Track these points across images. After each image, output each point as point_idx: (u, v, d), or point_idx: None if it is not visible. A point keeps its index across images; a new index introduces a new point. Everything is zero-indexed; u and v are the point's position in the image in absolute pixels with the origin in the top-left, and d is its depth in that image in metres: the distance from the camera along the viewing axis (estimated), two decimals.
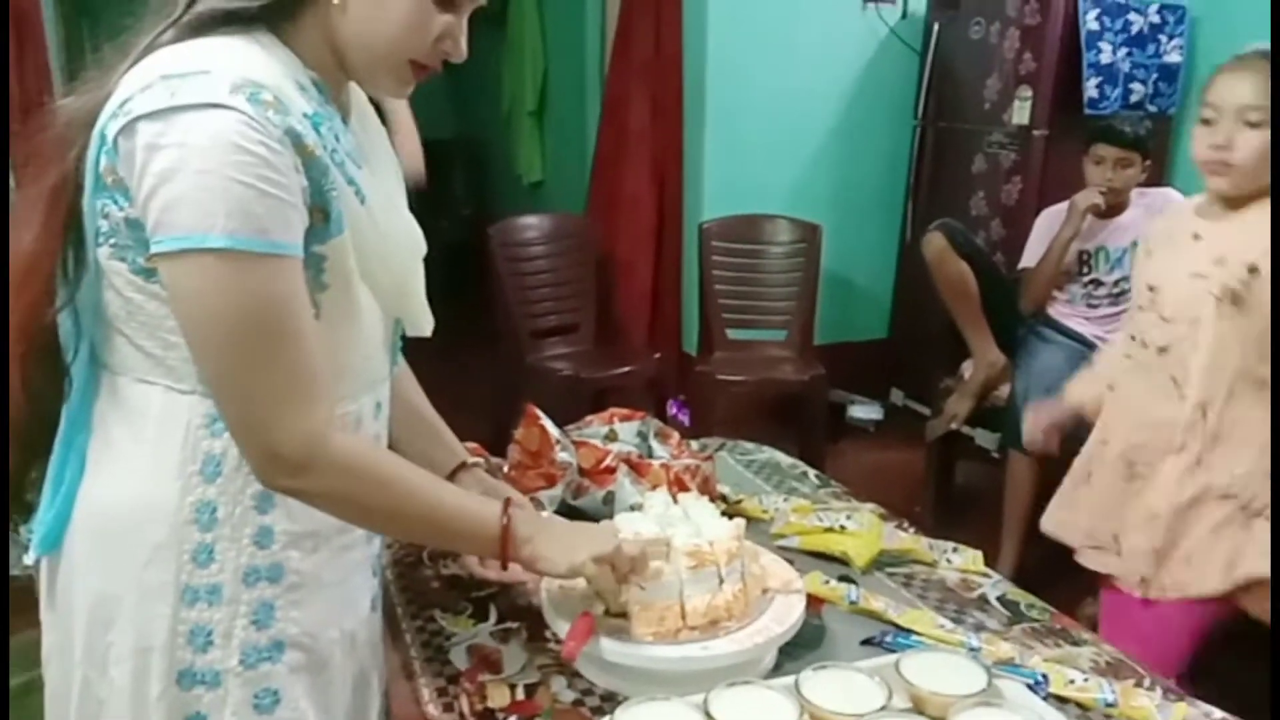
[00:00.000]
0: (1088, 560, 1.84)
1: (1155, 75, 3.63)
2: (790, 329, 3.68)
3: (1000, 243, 3.67)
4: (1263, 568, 1.62)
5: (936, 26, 3.91)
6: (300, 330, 0.90)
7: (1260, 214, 1.64)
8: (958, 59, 3.87)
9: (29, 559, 1.03)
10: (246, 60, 0.88)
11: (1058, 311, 3.02)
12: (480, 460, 1.27)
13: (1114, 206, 2.90)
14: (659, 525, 1.16)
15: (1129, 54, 3.55)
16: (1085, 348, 2.96)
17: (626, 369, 3.42)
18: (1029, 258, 3.04)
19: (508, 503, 1.07)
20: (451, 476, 1.22)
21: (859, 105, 4.10)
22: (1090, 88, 3.46)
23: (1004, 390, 3.03)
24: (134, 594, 0.96)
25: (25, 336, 0.96)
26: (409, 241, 1.07)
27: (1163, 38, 3.61)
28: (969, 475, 3.46)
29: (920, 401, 3.91)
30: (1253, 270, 1.60)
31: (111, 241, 0.91)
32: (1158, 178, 3.49)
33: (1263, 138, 1.60)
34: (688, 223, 4.01)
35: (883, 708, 1.02)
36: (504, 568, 1.07)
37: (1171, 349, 1.70)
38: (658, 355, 3.64)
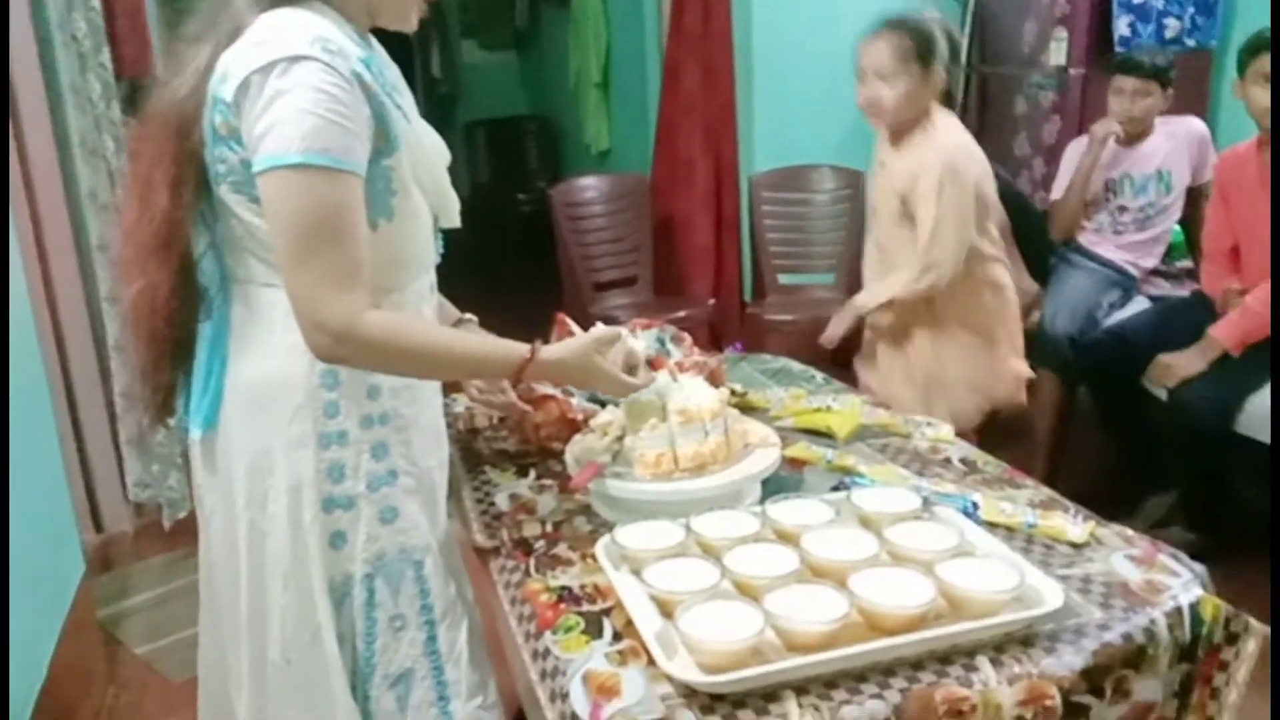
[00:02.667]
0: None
1: (1192, 9, 3.69)
2: (838, 272, 3.88)
3: (1042, 180, 3.80)
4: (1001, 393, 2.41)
5: None
6: (349, 231, 1.14)
7: (912, 145, 2.25)
8: (998, 6, 4.00)
9: (192, 436, 1.31)
10: (313, 23, 1.15)
11: (1087, 240, 3.17)
12: (473, 317, 1.58)
13: (1137, 135, 3.03)
14: (656, 393, 1.43)
15: None
16: (1115, 272, 3.11)
17: (682, 314, 3.68)
18: (1058, 189, 3.20)
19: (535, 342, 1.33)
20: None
21: None
22: (1121, 25, 3.57)
23: (1036, 317, 3.20)
24: (283, 445, 1.23)
25: (175, 276, 1.23)
26: (439, 148, 1.34)
27: None
28: None
29: None
30: (903, 200, 2.26)
31: (230, 180, 1.19)
32: (1201, 108, 3.58)
33: (894, 88, 2.20)
34: (743, 179, 4.25)
35: (830, 522, 1.28)
36: (514, 385, 1.34)
37: (885, 246, 2.38)
38: (712, 301, 3.89)
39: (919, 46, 2.21)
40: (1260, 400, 2.48)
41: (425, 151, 1.28)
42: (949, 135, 2.27)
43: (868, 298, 2.40)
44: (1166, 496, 2.74)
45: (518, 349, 1.31)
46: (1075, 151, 3.15)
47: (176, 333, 1.28)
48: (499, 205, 6.72)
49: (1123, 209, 3.10)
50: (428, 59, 7.12)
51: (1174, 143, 3.04)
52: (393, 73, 1.30)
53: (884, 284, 2.36)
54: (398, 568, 1.28)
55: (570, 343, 1.37)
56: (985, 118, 4.16)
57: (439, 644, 1.30)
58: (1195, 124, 3.09)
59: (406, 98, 1.30)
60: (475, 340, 1.44)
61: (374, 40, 1.30)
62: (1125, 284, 3.12)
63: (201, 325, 1.30)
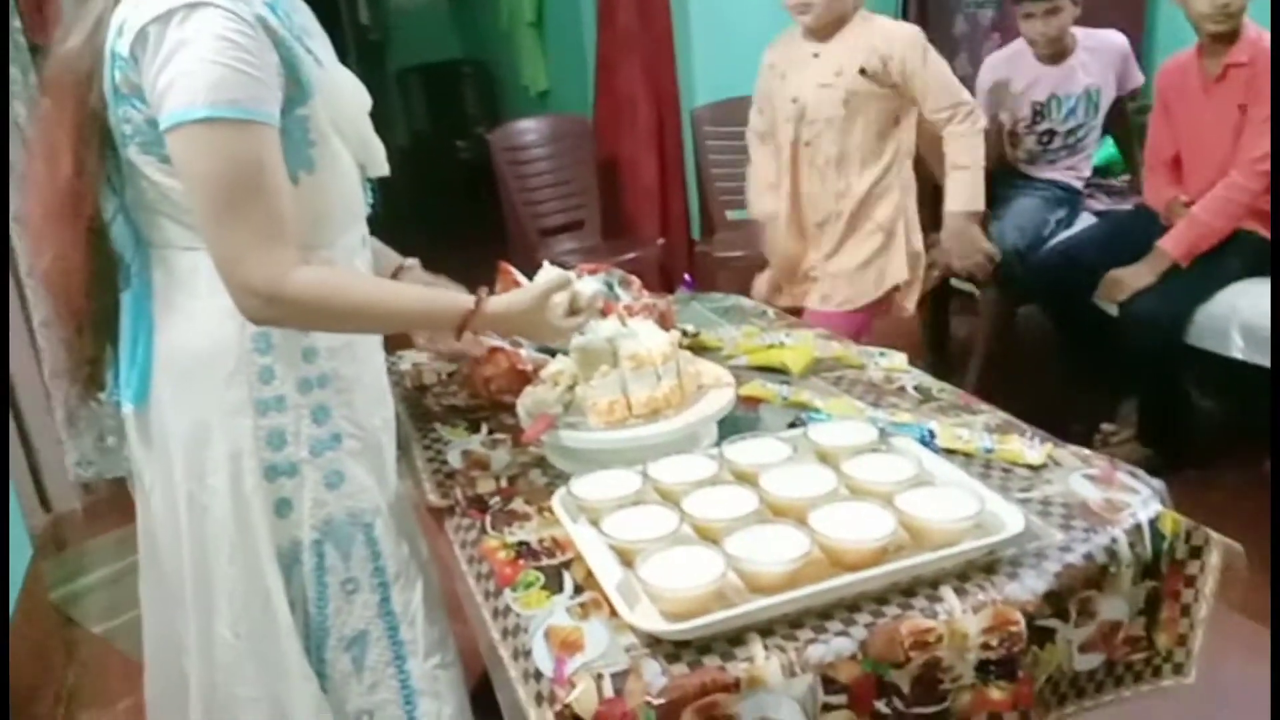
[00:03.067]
0: (797, 300, 2.55)
1: None
2: None
3: None
4: (901, 275, 2.41)
5: None
6: (268, 185, 1.09)
7: (852, 31, 2.30)
8: None
9: (125, 410, 1.26)
10: None
11: (1024, 168, 3.15)
12: (415, 261, 1.53)
13: (1059, 52, 2.99)
14: (607, 339, 1.40)
15: None
16: (1059, 190, 3.10)
17: (632, 255, 3.63)
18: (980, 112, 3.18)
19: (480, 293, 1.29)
20: (394, 276, 1.48)
21: None
22: None
23: None
24: (219, 414, 1.19)
25: (85, 244, 1.17)
26: (358, 94, 1.28)
27: None
28: (963, 329, 3.64)
29: None
30: (861, 71, 2.26)
31: (137, 141, 1.12)
32: (1138, 18, 3.56)
33: None
34: (685, 113, 4.17)
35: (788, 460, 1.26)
36: (458, 337, 1.27)
37: (813, 143, 2.35)
38: (661, 241, 3.84)
39: None
40: (1209, 311, 2.51)
41: (342, 98, 1.22)
42: (889, 20, 2.36)
43: (966, 198, 2.41)
44: (1130, 421, 2.76)
45: (461, 300, 1.26)
46: (993, 64, 3.14)
47: (94, 303, 1.23)
48: (438, 153, 6.57)
49: (1051, 133, 3.07)
50: (355, 6, 6.90)
51: (1097, 60, 3.01)
52: (302, 16, 1.23)
53: (960, 177, 2.38)
54: (347, 532, 1.25)
55: (518, 295, 1.32)
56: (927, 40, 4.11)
57: (393, 605, 1.28)
58: (1115, 37, 3.05)
59: (319, 42, 1.23)
60: (415, 292, 1.37)
61: None
62: (1070, 200, 3.11)
63: (122, 294, 1.24)
